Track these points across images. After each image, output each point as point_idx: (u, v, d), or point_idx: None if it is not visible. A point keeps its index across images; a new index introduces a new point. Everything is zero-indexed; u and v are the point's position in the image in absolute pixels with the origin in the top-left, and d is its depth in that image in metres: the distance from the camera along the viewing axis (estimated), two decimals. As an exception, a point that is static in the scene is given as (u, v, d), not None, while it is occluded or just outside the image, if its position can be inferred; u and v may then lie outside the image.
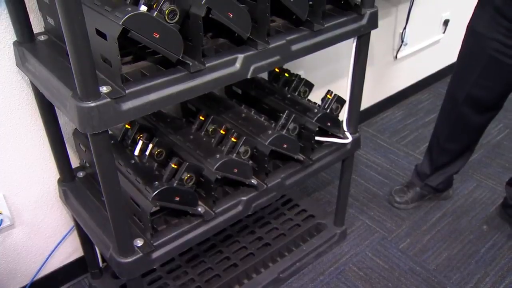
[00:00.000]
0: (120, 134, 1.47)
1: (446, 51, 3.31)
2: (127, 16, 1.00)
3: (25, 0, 1.29)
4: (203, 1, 1.11)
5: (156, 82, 1.11)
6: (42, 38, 1.36)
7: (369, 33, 1.58)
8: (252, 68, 1.26)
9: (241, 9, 1.19)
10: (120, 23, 0.99)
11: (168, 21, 1.10)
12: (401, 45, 2.86)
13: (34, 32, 1.37)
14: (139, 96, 1.08)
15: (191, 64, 1.14)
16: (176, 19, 1.11)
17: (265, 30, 1.28)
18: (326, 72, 2.50)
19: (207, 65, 1.18)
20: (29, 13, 1.32)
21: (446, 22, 3.16)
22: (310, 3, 1.36)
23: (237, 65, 1.24)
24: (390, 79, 3.02)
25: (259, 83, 1.80)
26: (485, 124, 2.03)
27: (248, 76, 1.26)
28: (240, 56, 1.24)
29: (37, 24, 1.41)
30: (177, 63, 1.15)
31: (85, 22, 0.94)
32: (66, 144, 1.56)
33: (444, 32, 3.20)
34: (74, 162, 1.66)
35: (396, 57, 2.90)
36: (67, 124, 1.61)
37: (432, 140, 2.22)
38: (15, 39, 1.36)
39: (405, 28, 2.78)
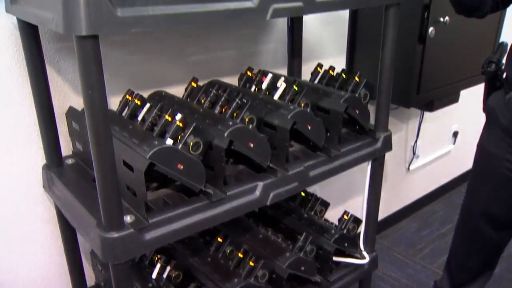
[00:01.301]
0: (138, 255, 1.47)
1: (457, 161, 3.36)
2: (154, 150, 1.05)
3: (57, 125, 1.37)
4: (226, 134, 1.17)
5: (178, 211, 1.13)
6: (69, 161, 1.42)
7: (384, 155, 1.63)
8: (271, 195, 1.29)
9: (262, 139, 1.25)
10: (147, 157, 1.04)
11: (192, 152, 1.15)
12: (413, 158, 2.91)
13: (63, 155, 1.43)
14: (162, 226, 1.10)
15: (212, 193, 1.18)
16: (200, 150, 1.16)
17: (284, 157, 1.33)
18: (341, 186, 2.53)
19: (228, 193, 1.21)
20: (59, 137, 1.39)
21: (455, 134, 3.24)
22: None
23: (257, 192, 1.27)
24: (404, 191, 3.04)
25: (276, 202, 1.82)
26: (505, 241, 2.00)
27: (268, 203, 1.29)
28: (260, 184, 1.27)
29: (65, 147, 1.48)
30: (199, 191, 1.18)
31: (114, 155, 0.99)
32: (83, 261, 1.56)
33: (454, 143, 3.27)
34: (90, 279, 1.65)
35: (408, 169, 2.95)
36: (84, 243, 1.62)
37: (450, 255, 2.17)
38: (44, 162, 1.42)
39: (416, 141, 2.85)
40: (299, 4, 1.17)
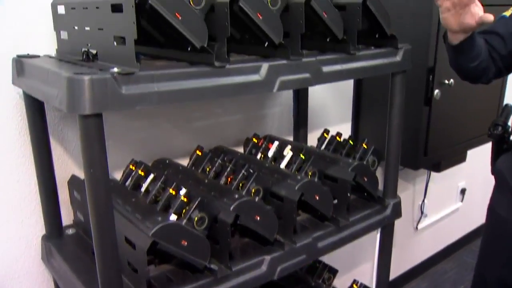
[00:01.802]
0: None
1: (466, 218, 3.29)
2: (157, 227, 1.01)
3: (58, 194, 1.34)
4: (232, 208, 1.14)
5: (182, 289, 1.08)
6: (70, 231, 1.38)
7: (393, 222, 1.58)
8: (279, 269, 1.24)
9: (268, 212, 1.21)
10: (150, 235, 1.00)
11: (197, 228, 1.11)
12: (421, 217, 2.85)
13: (63, 225, 1.39)
14: (164, 306, 1.05)
15: (217, 269, 1.13)
16: (205, 225, 1.12)
17: (292, 229, 1.28)
18: (349, 252, 2.45)
19: (233, 269, 1.16)
20: (60, 205, 1.36)
21: (463, 191, 3.19)
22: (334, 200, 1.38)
23: (264, 267, 1.22)
24: (412, 250, 2.95)
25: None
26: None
27: (275, 278, 1.24)
28: (267, 258, 1.23)
29: (66, 215, 1.44)
30: (204, 267, 1.14)
31: (115, 231, 0.95)
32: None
33: (462, 201, 3.21)
34: None
35: (416, 228, 2.88)
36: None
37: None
38: (44, 232, 1.38)
39: (423, 200, 2.79)
40: (306, 75, 1.16)
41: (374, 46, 1.41)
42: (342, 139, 1.61)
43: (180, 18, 0.94)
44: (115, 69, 0.90)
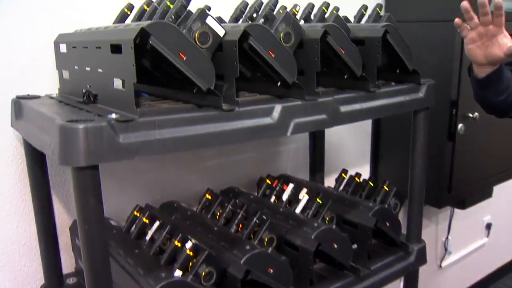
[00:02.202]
0: None
1: (492, 255, 3.12)
2: (160, 286, 0.92)
3: (59, 242, 1.26)
4: (242, 261, 1.04)
5: None
6: (71, 281, 1.29)
7: (418, 269, 1.46)
8: (294, 328, 1.13)
9: (282, 263, 1.11)
10: (152, 294, 0.91)
11: (204, 284, 1.01)
12: (444, 254, 2.71)
13: (64, 273, 1.30)
14: None
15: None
16: (212, 281, 1.02)
17: (308, 281, 1.18)
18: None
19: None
20: (61, 252, 1.28)
21: (488, 226, 3.03)
22: (354, 245, 1.28)
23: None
24: (436, 290, 2.80)
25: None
26: None
27: (289, 336, 1.13)
28: (282, 315, 1.12)
29: (67, 261, 1.35)
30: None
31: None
32: None
33: (487, 236, 3.06)
34: None
35: (440, 266, 2.73)
36: None
37: None
38: (43, 282, 1.29)
39: (447, 237, 2.66)
40: (323, 117, 1.08)
41: (395, 81, 1.33)
42: (361, 180, 1.51)
43: (185, 58, 0.86)
44: (113, 115, 0.82)
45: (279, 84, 1.06)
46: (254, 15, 1.04)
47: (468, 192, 2.08)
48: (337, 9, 1.29)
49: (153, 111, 0.89)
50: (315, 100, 1.06)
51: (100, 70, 0.93)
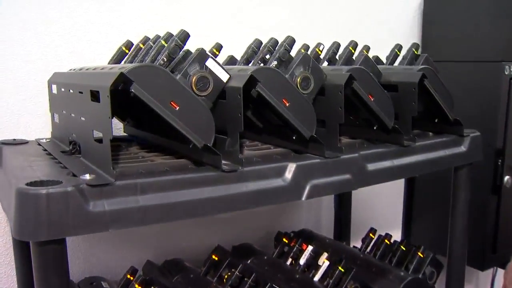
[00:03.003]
0: None
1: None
2: None
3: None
4: None
5: None
6: None
7: None
8: None
9: None
10: None
11: None
12: (486, 316, 2.44)
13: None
14: None
15: None
16: None
17: None
18: None
19: None
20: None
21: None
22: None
23: None
24: None
25: None
26: None
27: None
28: None
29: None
30: None
31: None
32: None
33: (534, 294, 2.75)
34: None
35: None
36: None
37: None
38: None
39: (490, 296, 2.39)
40: (346, 177, 0.90)
41: (432, 132, 1.15)
42: (392, 242, 1.31)
43: (177, 108, 0.71)
44: (87, 176, 0.68)
45: (294, 137, 0.89)
46: (268, 56, 0.89)
47: (515, 251, 1.85)
48: (367, 48, 1.13)
49: (137, 170, 0.73)
50: (337, 157, 0.89)
51: (82, 118, 0.80)
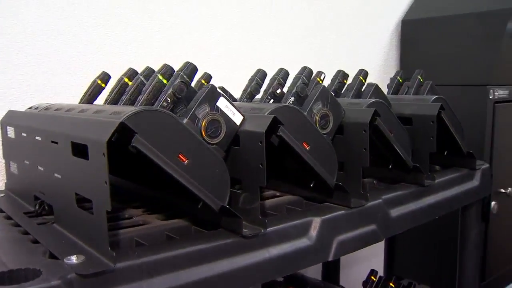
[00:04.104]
0: None
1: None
2: None
3: None
4: None
5: None
6: None
7: None
8: None
9: None
10: None
11: None
12: None
13: None
14: None
15: None
16: None
17: None
18: None
19: None
20: None
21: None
22: None
23: None
24: None
25: None
26: None
27: None
28: None
29: None
30: None
31: None
32: None
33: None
34: None
35: None
36: None
37: None
38: None
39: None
40: (372, 227, 0.77)
41: (440, 165, 1.05)
42: (396, 283, 1.20)
43: (186, 161, 0.56)
44: (74, 259, 0.51)
45: (312, 184, 0.76)
46: (278, 91, 0.75)
47: (504, 277, 1.80)
48: (364, 74, 1.02)
49: (131, 238, 0.57)
50: (362, 206, 0.76)
51: (57, 175, 0.62)
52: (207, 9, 1.18)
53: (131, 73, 0.70)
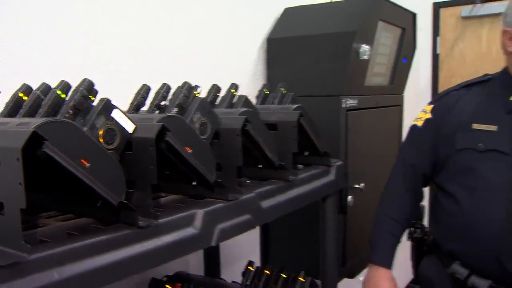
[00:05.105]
0: None
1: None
2: None
3: None
4: None
5: None
6: None
7: None
8: None
9: None
10: None
11: None
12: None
13: None
14: None
15: None
16: None
17: None
18: None
19: None
20: None
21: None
22: None
23: None
24: None
25: None
26: None
27: None
28: None
29: None
30: None
31: None
32: None
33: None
34: None
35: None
36: None
37: None
38: None
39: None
40: (247, 217, 0.92)
41: (302, 164, 1.24)
42: (271, 271, 1.36)
43: (88, 165, 0.65)
44: (-12, 255, 0.58)
45: (195, 183, 0.88)
46: (162, 103, 0.86)
47: (360, 262, 2.06)
48: (235, 87, 1.17)
49: (36, 237, 0.65)
50: (238, 199, 0.90)
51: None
52: (91, 26, 1.25)
53: (26, 89, 0.76)
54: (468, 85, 1.55)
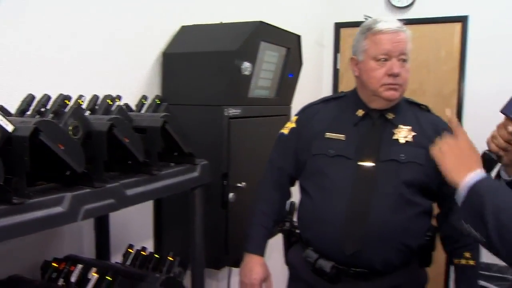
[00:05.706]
0: None
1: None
2: None
3: None
4: None
5: None
6: None
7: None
8: None
9: None
10: None
11: None
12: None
13: None
14: None
15: None
16: None
17: None
18: None
19: None
20: None
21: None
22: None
23: None
24: None
25: None
26: None
27: None
28: None
29: None
30: None
31: None
32: None
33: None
34: None
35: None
36: None
37: None
38: None
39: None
40: (111, 201, 1.18)
41: (174, 163, 1.50)
42: (147, 253, 1.61)
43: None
44: None
45: (68, 173, 1.12)
46: (43, 109, 1.10)
47: (241, 251, 2.34)
48: (119, 97, 1.42)
49: None
50: (103, 187, 1.15)
51: None
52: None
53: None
54: (326, 100, 1.90)
